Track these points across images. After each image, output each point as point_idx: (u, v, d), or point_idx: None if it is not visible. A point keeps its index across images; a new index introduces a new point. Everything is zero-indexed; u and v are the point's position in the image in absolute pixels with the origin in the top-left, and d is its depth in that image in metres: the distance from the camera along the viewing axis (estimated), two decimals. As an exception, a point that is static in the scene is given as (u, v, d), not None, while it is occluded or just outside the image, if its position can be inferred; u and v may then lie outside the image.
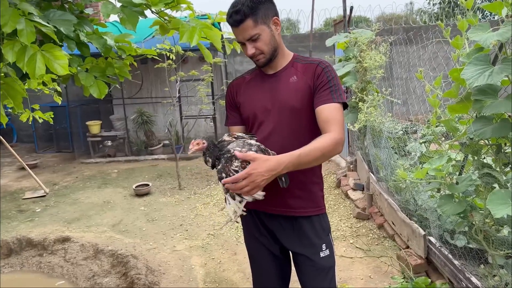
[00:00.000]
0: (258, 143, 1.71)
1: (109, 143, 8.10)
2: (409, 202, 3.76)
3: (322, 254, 1.87)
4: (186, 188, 5.84)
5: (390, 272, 3.28)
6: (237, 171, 1.57)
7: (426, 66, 6.06)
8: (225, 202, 1.70)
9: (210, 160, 1.68)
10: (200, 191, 5.70)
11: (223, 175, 1.59)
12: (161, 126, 8.74)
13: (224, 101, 2.06)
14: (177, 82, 6.21)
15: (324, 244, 1.89)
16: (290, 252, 1.97)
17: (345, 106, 1.79)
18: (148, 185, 5.74)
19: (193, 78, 6.38)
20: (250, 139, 1.78)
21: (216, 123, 7.65)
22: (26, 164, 6.52)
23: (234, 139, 1.74)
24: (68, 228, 4.61)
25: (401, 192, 3.83)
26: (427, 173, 2.78)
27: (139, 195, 5.61)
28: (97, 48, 1.90)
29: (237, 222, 1.79)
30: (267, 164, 1.51)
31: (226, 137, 1.76)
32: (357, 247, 3.77)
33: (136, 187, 5.71)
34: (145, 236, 4.31)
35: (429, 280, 2.75)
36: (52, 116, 3.41)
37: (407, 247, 3.45)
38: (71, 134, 8.52)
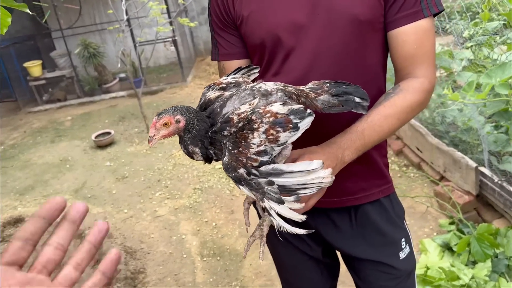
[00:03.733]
0: (280, 85, 0.87)
1: None
2: (434, 121, 3.08)
3: (402, 255, 1.21)
4: (156, 130, 4.95)
5: (429, 213, 2.67)
6: (265, 152, 0.81)
7: None
8: (265, 212, 0.93)
9: (197, 150, 0.86)
10: (173, 131, 4.82)
11: (241, 170, 0.80)
12: (112, 58, 7.51)
13: (209, 19, 1.15)
14: (122, 1, 5.00)
15: (403, 239, 1.22)
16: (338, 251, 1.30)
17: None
18: (110, 133, 4.81)
19: (141, -6, 5.17)
20: (251, 79, 0.98)
21: (177, 46, 6.54)
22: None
23: (226, 93, 0.89)
24: (21, 202, 3.77)
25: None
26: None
27: (101, 146, 4.71)
28: None
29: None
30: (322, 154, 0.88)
31: (210, 94, 0.90)
32: (376, 183, 3.13)
33: (96, 137, 4.78)
34: (117, 201, 3.53)
35: (493, 226, 2.15)
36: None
37: (442, 178, 2.83)
38: (10, 80, 7.23)
